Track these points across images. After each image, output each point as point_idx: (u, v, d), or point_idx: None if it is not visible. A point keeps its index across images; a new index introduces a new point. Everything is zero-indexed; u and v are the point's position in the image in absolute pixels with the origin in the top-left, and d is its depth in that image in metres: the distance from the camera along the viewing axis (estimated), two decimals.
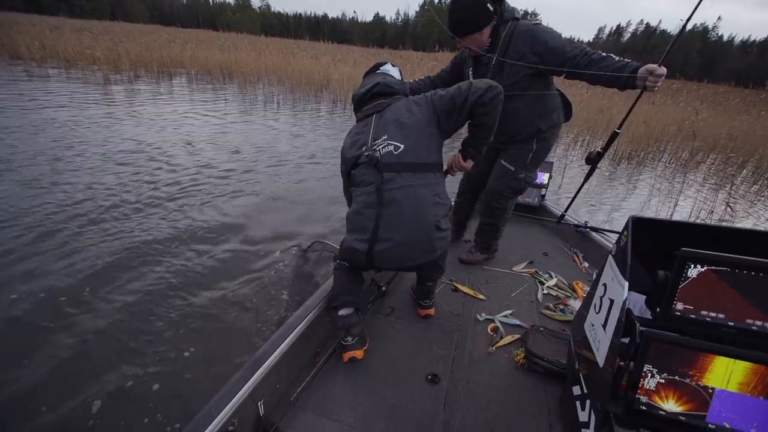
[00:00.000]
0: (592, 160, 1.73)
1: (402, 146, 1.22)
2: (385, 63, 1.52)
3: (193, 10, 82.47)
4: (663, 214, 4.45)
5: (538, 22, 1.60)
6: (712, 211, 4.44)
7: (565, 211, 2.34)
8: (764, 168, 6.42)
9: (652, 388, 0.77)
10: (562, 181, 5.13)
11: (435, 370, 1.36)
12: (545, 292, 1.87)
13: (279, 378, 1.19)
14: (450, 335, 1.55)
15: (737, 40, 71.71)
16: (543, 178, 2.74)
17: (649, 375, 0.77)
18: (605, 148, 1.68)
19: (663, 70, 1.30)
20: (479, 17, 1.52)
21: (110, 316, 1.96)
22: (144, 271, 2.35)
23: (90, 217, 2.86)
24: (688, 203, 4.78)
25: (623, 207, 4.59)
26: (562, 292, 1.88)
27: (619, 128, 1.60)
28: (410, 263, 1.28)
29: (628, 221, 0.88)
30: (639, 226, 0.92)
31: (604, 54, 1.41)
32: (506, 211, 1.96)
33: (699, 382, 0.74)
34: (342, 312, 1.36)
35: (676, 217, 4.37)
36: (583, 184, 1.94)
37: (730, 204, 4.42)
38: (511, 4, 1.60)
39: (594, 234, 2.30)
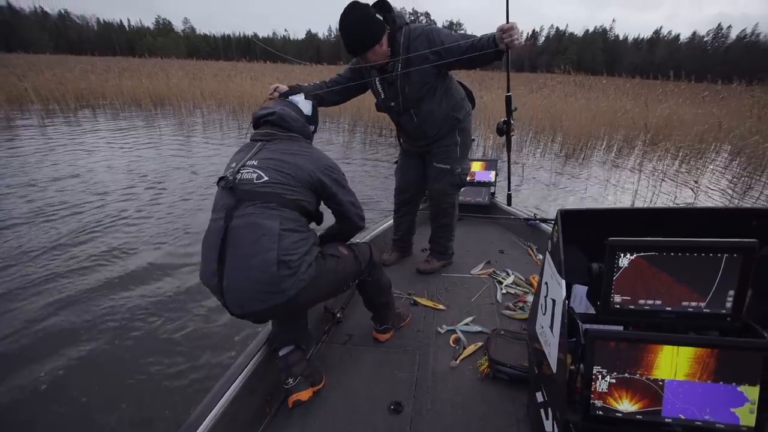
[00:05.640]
0: (502, 130, 1.78)
1: (266, 178, 1.08)
2: (299, 92, 1.39)
3: (107, 36, 76.64)
4: (626, 202, 4.68)
5: (430, 23, 1.68)
6: (646, 196, 4.76)
7: (492, 192, 2.35)
8: (699, 150, 7.00)
9: (605, 390, 0.72)
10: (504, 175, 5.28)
11: (398, 398, 1.26)
12: (504, 291, 1.85)
13: None
14: (412, 355, 1.46)
15: (630, 38, 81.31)
16: (490, 176, 2.78)
17: (600, 377, 0.72)
18: (508, 115, 1.73)
19: (508, 24, 1.39)
20: (374, 30, 1.50)
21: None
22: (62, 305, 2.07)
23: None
24: (642, 190, 5.06)
25: (586, 198, 4.78)
26: (520, 288, 1.86)
27: (508, 92, 1.69)
28: (260, 306, 1.04)
29: (557, 215, 0.85)
30: (571, 218, 0.89)
31: (479, 36, 1.52)
32: (455, 208, 1.99)
33: (649, 377, 0.71)
34: (282, 352, 1.23)
35: (639, 203, 4.62)
36: (509, 157, 1.96)
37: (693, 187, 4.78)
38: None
39: (543, 225, 2.33)
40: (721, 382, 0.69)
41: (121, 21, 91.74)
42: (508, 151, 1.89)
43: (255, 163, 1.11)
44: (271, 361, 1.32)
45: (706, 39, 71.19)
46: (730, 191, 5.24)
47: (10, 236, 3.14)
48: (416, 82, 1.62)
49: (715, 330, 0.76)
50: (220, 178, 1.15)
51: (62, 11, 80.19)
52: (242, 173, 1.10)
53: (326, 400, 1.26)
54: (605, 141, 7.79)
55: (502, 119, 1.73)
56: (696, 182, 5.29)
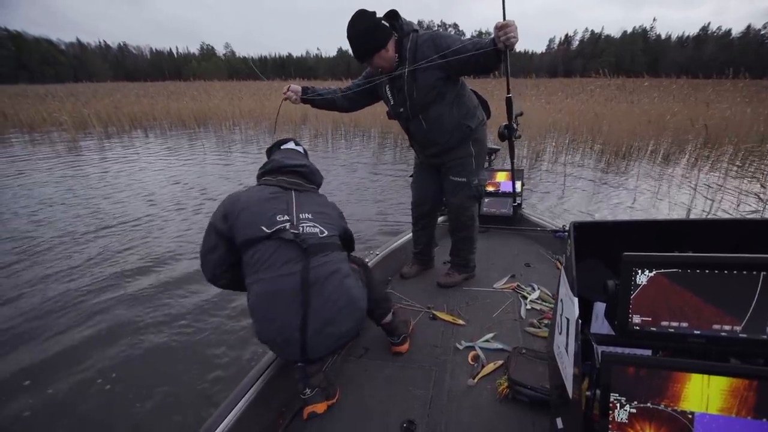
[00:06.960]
0: (504, 135, 1.69)
1: (326, 232, 1.24)
2: (289, 140, 1.49)
3: (158, 63, 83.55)
4: (681, 212, 4.32)
5: (436, 29, 1.65)
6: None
7: (517, 203, 2.23)
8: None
9: (624, 420, 0.65)
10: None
11: (411, 416, 1.22)
12: (528, 307, 1.75)
13: None
14: (428, 372, 1.42)
15: (674, 36, 76.96)
16: (515, 186, 2.68)
17: (618, 405, 0.65)
18: (510, 119, 1.63)
19: (504, 22, 1.34)
20: (379, 35, 1.53)
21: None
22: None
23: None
24: (699, 198, 4.64)
25: (635, 207, 4.49)
26: (546, 304, 1.76)
27: (508, 93, 1.59)
28: (344, 340, 1.24)
29: (569, 228, 0.79)
30: (587, 231, 0.83)
31: (480, 39, 1.49)
32: (474, 220, 1.95)
33: (675, 408, 0.63)
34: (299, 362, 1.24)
35: (695, 213, 4.24)
36: (512, 164, 1.87)
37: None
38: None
39: None
40: (765, 419, 0.60)
41: (170, 49, 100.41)
42: (512, 157, 1.81)
43: (310, 217, 1.24)
44: (286, 371, 1.33)
45: (763, 32, 65.22)
46: None
47: (68, 241, 3.53)
48: (424, 86, 1.61)
49: (758, 358, 0.67)
50: (274, 231, 1.15)
51: (121, 44, 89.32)
52: (304, 228, 1.20)
53: (339, 415, 1.25)
54: (652, 145, 7.27)
55: (504, 123, 1.66)
56: (764, 187, 4.81)
